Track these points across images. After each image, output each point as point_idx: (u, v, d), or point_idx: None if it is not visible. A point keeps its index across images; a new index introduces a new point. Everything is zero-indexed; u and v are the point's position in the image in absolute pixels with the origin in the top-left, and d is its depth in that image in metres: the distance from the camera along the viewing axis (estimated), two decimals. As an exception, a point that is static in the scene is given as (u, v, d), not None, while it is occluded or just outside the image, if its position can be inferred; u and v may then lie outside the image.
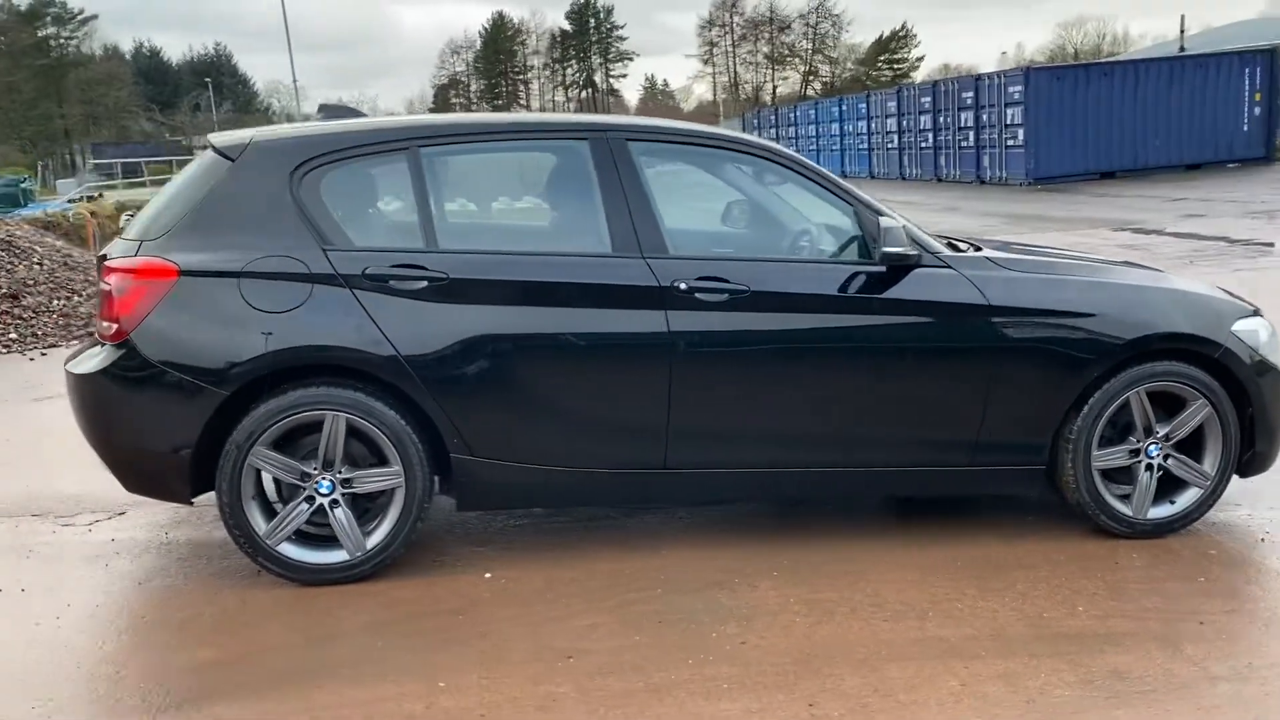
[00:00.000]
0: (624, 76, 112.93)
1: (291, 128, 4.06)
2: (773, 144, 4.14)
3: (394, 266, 3.71)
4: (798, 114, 43.34)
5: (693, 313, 3.80)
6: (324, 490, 3.74)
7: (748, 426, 3.90)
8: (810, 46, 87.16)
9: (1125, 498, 4.13)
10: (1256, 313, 4.23)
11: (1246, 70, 26.81)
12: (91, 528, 4.43)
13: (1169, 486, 4.16)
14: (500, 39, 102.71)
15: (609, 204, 3.87)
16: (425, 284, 3.71)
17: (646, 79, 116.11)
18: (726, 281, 3.82)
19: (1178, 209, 18.01)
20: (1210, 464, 4.13)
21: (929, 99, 29.82)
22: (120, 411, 3.71)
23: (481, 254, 3.83)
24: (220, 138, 4.00)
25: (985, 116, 27.08)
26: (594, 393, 3.80)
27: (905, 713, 2.92)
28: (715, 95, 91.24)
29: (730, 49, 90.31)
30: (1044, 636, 3.35)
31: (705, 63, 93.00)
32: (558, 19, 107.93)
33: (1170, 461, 4.12)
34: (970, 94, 27.76)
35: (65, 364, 3.95)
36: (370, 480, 3.76)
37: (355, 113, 4.42)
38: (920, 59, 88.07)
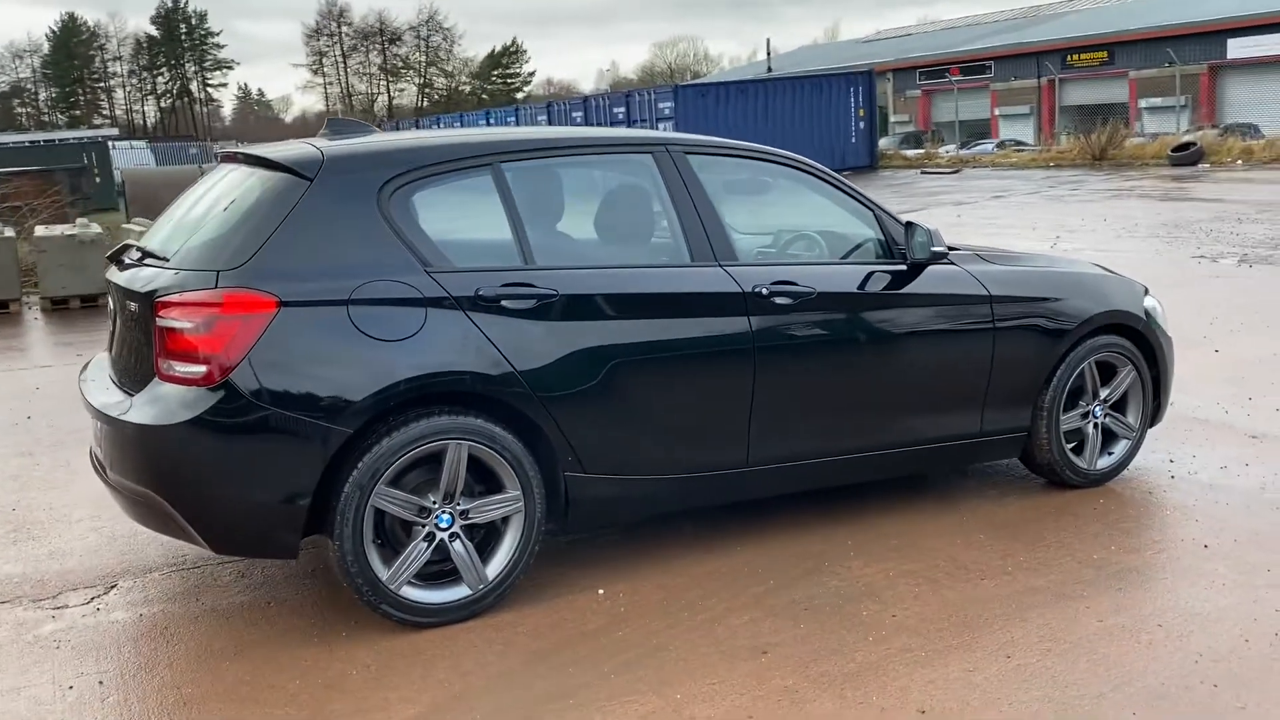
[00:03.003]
0: (223, 85, 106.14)
1: (358, 142, 3.77)
2: (802, 157, 4.42)
3: (504, 286, 3.59)
4: (441, 126, 43.26)
5: (769, 315, 4.01)
6: (444, 524, 3.53)
7: (818, 418, 4.17)
8: (424, 59, 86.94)
9: (1074, 453, 4.85)
10: (1148, 290, 5.13)
11: (851, 89, 30.53)
12: (97, 607, 3.81)
13: (1103, 441, 4.94)
14: (73, 43, 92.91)
15: (682, 214, 3.98)
16: (535, 302, 3.62)
17: (240, 88, 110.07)
18: (796, 285, 4.07)
19: (832, 211, 20.20)
20: (1134, 419, 4.96)
21: (580, 114, 31.06)
22: (221, 463, 3.28)
23: (584, 269, 3.79)
24: (283, 153, 3.64)
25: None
26: (692, 398, 3.90)
27: (1088, 649, 3.34)
28: (327, 106, 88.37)
29: (340, 59, 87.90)
30: (1112, 574, 3.92)
31: (315, 72, 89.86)
32: (141, 24, 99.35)
33: (1108, 419, 4.90)
34: (622, 109, 29.30)
35: (118, 415, 3.41)
36: (490, 508, 3.60)
37: (366, 127, 4.15)
38: (532, 74, 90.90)
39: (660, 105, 27.86)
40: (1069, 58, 45.37)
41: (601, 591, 3.85)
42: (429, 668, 3.31)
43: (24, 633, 3.62)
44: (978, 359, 4.48)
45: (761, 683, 3.18)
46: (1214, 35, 39.77)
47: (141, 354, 3.55)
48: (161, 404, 3.32)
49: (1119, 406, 4.94)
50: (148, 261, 3.67)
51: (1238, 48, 39.55)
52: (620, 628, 3.57)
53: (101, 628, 3.64)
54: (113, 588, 3.98)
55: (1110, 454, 4.94)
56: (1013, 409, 4.61)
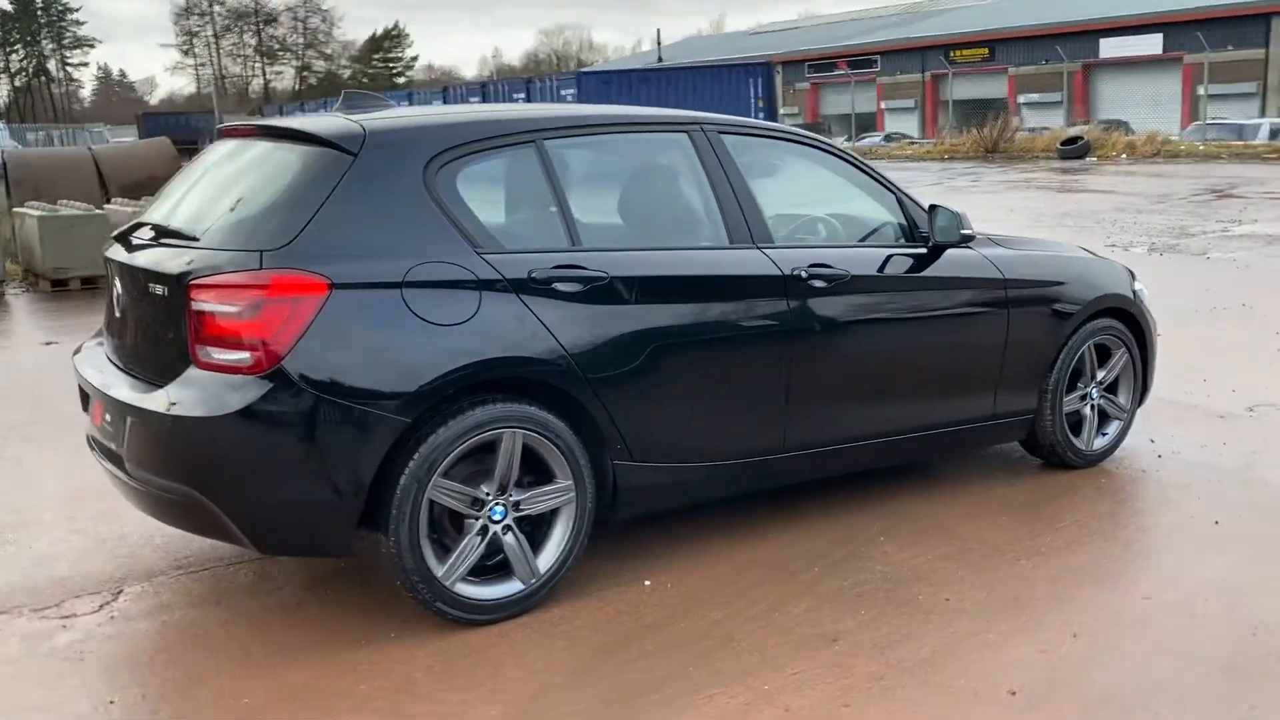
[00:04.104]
0: (83, 65, 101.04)
1: (395, 116, 3.55)
2: (826, 139, 4.37)
3: (556, 268, 3.44)
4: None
5: (806, 299, 3.96)
6: (497, 517, 3.38)
7: (850, 402, 4.14)
8: (302, 41, 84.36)
9: (1072, 433, 4.95)
10: (1133, 274, 5.27)
11: (750, 80, 30.74)
12: (111, 614, 3.51)
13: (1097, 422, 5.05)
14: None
15: (719, 195, 3.90)
16: (585, 285, 3.48)
17: (100, 68, 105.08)
18: (832, 267, 4.02)
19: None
20: (1125, 400, 5.09)
21: (478, 99, 30.52)
22: (272, 457, 3.05)
23: (631, 251, 3.67)
24: (319, 126, 3.40)
25: (539, 116, 28.35)
26: (735, 383, 3.83)
27: (1148, 625, 3.39)
28: (198, 88, 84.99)
29: (213, 40, 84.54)
30: (1141, 551, 4.02)
31: (185, 53, 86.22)
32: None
33: (1103, 401, 5.01)
34: (522, 95, 28.93)
35: (152, 407, 3.14)
36: (542, 499, 3.46)
37: (382, 101, 3.93)
38: (414, 59, 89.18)
39: (563, 92, 27.60)
40: (952, 53, 46.75)
41: (648, 583, 3.74)
42: (496, 667, 3.16)
43: (38, 645, 3.32)
44: (993, 342, 4.52)
45: (843, 671, 3.13)
46: (1088, 35, 41.53)
47: (162, 340, 3.30)
48: (203, 394, 3.07)
49: (1111, 388, 5.06)
50: (167, 241, 3.40)
51: (1109, 47, 41.40)
52: (680, 619, 3.47)
53: (124, 637, 3.36)
54: (120, 593, 3.68)
55: (1104, 434, 5.05)
56: (1021, 391, 4.67)
